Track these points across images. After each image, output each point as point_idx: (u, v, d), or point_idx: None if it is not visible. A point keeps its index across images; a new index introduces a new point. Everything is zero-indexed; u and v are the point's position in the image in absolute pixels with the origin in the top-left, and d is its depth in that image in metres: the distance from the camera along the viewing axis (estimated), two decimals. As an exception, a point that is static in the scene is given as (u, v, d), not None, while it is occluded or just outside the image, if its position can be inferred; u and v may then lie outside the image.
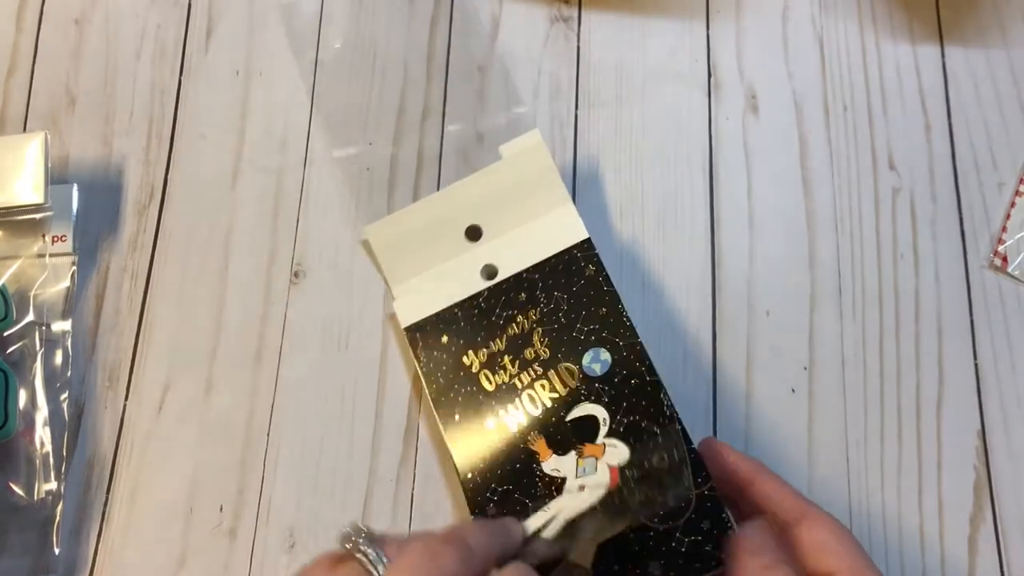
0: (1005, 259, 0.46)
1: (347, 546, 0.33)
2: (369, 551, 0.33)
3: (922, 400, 0.44)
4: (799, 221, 0.47)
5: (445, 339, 0.43)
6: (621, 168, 0.48)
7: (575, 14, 0.50)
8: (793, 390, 0.44)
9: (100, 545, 0.43)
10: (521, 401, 0.41)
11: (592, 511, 0.38)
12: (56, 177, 0.47)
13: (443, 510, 0.43)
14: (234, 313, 0.46)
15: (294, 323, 0.46)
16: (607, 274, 0.42)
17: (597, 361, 0.41)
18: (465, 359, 0.42)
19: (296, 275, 0.46)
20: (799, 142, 0.48)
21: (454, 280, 0.44)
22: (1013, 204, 0.47)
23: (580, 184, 0.48)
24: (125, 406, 0.45)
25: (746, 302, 0.46)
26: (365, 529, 0.34)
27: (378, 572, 0.32)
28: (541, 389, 0.41)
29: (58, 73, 0.50)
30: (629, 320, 0.41)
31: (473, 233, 0.44)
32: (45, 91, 0.49)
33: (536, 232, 0.44)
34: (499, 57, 0.50)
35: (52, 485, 0.43)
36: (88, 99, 0.49)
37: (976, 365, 0.45)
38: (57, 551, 0.42)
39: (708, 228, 0.47)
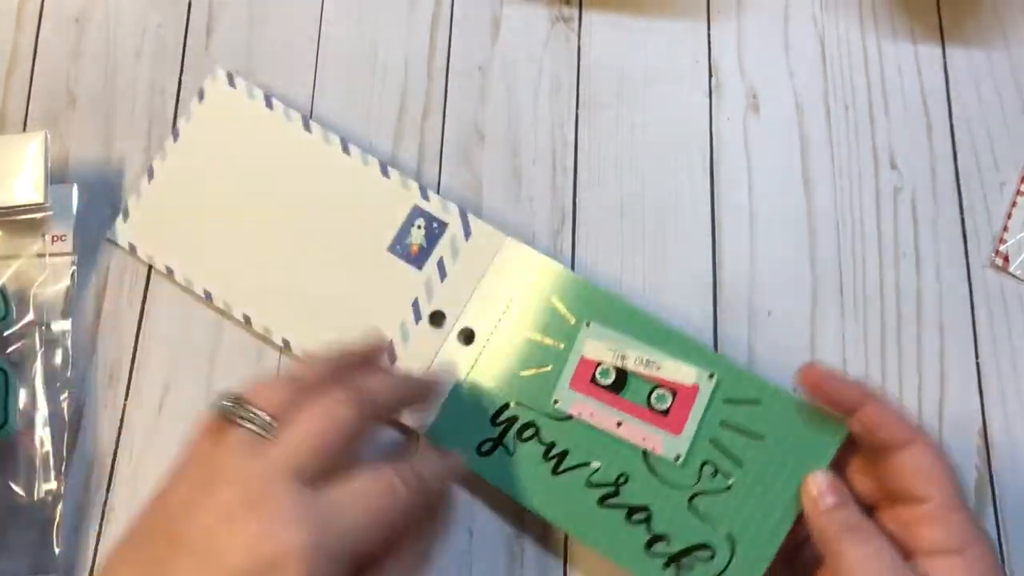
0: (1007, 259, 0.46)
1: (226, 414, 0.33)
2: (255, 415, 0.32)
3: (924, 399, 0.44)
4: (800, 220, 0.47)
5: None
6: (622, 168, 0.48)
7: (576, 14, 0.50)
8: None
9: (100, 545, 0.43)
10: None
11: None
12: (56, 177, 0.47)
13: (444, 510, 0.43)
14: (236, 309, 0.46)
15: (294, 323, 0.46)
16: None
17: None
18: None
19: (296, 275, 0.46)
20: (800, 142, 0.48)
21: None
22: (1014, 204, 0.47)
23: (580, 184, 0.48)
24: (125, 406, 0.45)
25: (747, 302, 0.46)
26: (238, 393, 0.33)
27: (271, 435, 0.32)
28: None
29: (58, 72, 0.49)
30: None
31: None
32: (45, 90, 0.49)
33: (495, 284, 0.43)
34: (499, 57, 0.50)
35: (52, 485, 0.43)
36: (88, 98, 0.49)
37: (977, 364, 0.45)
38: (57, 551, 0.42)
39: (709, 228, 0.47)
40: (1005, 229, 0.46)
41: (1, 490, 0.42)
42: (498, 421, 0.41)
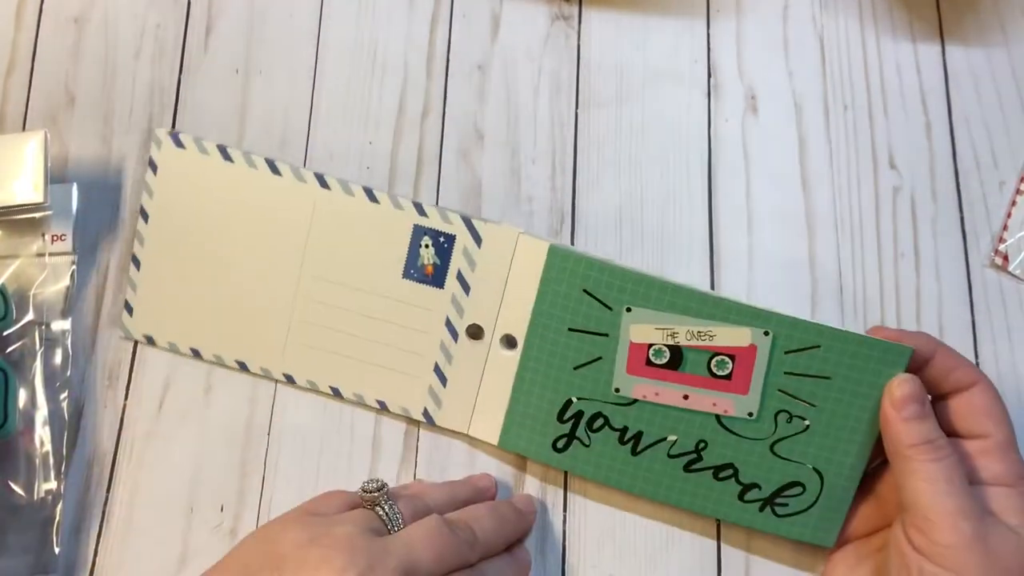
0: (1006, 258, 0.46)
1: (367, 496, 0.37)
2: (387, 508, 0.37)
3: (923, 399, 0.44)
4: (799, 221, 0.47)
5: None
6: (621, 168, 0.48)
7: (576, 13, 0.50)
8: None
9: (100, 545, 0.43)
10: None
11: None
12: (55, 176, 0.47)
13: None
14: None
15: (294, 322, 0.46)
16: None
17: None
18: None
19: (296, 274, 0.46)
20: (799, 142, 0.48)
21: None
22: (1014, 203, 0.47)
23: (580, 184, 0.48)
24: (125, 406, 0.45)
25: (746, 301, 0.46)
26: (386, 484, 0.38)
27: (394, 529, 0.36)
28: None
29: (57, 72, 0.49)
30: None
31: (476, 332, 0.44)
32: (44, 90, 0.49)
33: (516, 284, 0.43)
34: (499, 56, 0.50)
35: (52, 485, 0.43)
36: (87, 98, 0.49)
37: (977, 364, 0.45)
38: (57, 551, 0.42)
39: (707, 228, 0.47)
40: (1004, 228, 0.47)
41: (1, 490, 0.42)
42: (565, 418, 0.42)
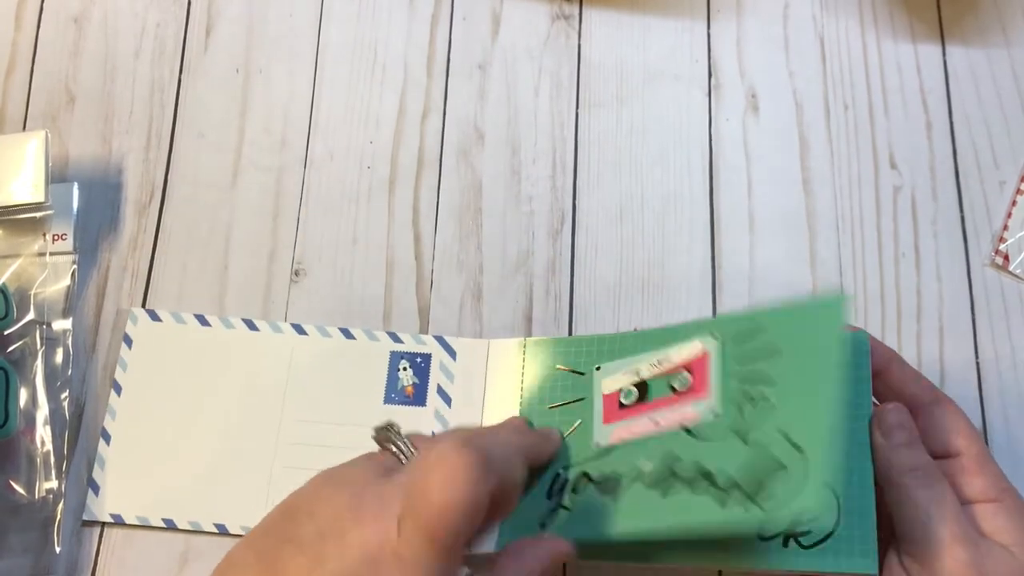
0: (1007, 257, 0.46)
1: (380, 439, 0.36)
2: (400, 443, 0.35)
3: (923, 399, 0.44)
4: (800, 220, 0.47)
5: None
6: (621, 168, 0.48)
7: (576, 12, 0.50)
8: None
9: (101, 545, 0.43)
10: None
11: None
12: (56, 176, 0.47)
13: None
14: (234, 312, 0.46)
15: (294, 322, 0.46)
16: None
17: None
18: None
19: (296, 274, 0.46)
20: (799, 141, 0.48)
21: None
22: (1014, 202, 0.47)
23: (580, 184, 0.48)
24: (125, 405, 0.45)
25: (747, 301, 0.46)
26: (397, 425, 0.36)
27: (407, 459, 0.35)
28: None
29: (57, 72, 0.49)
30: None
31: None
32: (44, 90, 0.49)
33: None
34: (500, 56, 0.50)
35: (53, 484, 0.43)
36: (88, 98, 0.49)
37: (977, 364, 0.45)
38: (58, 550, 0.42)
39: (708, 228, 0.47)
40: (1005, 228, 0.47)
41: (1, 489, 0.42)
42: (552, 493, 0.40)
